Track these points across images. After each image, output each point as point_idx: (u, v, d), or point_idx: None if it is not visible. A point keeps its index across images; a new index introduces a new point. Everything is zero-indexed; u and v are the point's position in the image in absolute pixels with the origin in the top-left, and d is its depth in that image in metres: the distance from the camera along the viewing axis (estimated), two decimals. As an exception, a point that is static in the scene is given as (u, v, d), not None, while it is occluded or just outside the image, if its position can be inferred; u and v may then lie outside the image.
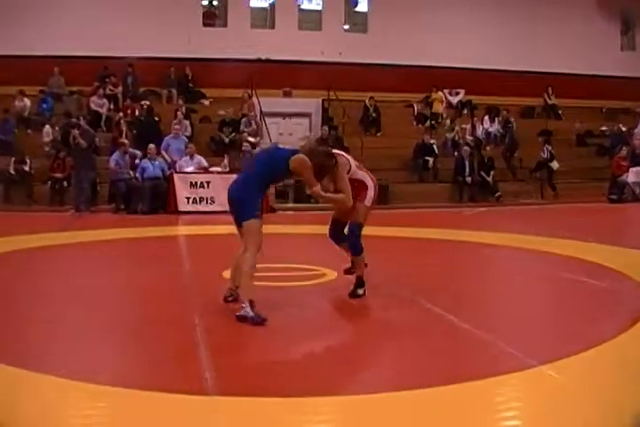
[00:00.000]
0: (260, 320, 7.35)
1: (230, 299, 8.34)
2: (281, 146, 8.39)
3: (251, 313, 7.41)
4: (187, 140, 22.49)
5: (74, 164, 20.48)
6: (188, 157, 21.38)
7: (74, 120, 21.33)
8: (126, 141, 21.01)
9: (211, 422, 4.90)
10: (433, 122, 28.02)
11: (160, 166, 20.82)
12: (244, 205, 7.97)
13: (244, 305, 7.53)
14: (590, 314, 8.03)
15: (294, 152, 7.97)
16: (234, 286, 8.27)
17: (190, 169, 21.10)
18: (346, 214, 8.98)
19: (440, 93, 28.20)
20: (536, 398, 5.30)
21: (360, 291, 8.90)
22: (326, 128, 25.15)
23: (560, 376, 5.64)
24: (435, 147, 25.46)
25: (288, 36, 28.66)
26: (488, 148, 25.40)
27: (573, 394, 5.36)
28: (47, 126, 23.15)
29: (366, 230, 13.91)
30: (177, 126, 22.80)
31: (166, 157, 21.65)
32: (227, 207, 8.36)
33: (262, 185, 8.11)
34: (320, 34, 29.69)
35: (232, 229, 8.37)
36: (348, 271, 9.27)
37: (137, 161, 21.03)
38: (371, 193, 9.11)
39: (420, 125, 27.95)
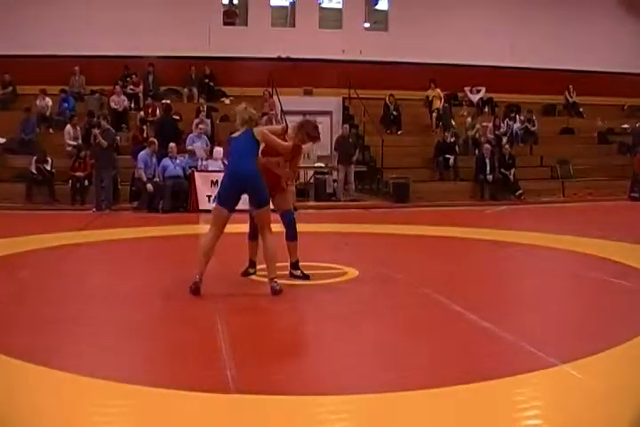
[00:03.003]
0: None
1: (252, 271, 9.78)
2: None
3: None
4: (207, 140, 22.51)
5: (95, 163, 20.51)
6: (213, 159, 21.39)
7: (94, 119, 21.38)
8: (155, 140, 21.02)
9: (232, 419, 4.92)
10: (435, 117, 27.73)
11: (181, 165, 20.85)
12: (262, 189, 8.97)
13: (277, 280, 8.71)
14: (612, 313, 8.00)
15: (250, 129, 9.05)
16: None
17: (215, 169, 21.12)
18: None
19: (438, 90, 27.84)
20: (557, 397, 5.29)
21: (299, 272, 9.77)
22: (347, 126, 25.13)
23: (582, 375, 5.62)
24: (456, 145, 25.37)
25: (308, 35, 28.60)
26: (507, 146, 25.24)
27: (595, 393, 5.34)
28: (68, 126, 23.22)
29: (387, 229, 14.04)
30: (202, 126, 22.82)
31: (194, 148, 21.74)
32: (249, 206, 8.62)
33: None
34: (340, 32, 29.63)
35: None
36: (246, 273, 10.03)
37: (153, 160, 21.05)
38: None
39: (440, 123, 27.75)
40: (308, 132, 9.45)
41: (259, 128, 9.22)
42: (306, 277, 9.71)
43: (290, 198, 9.90)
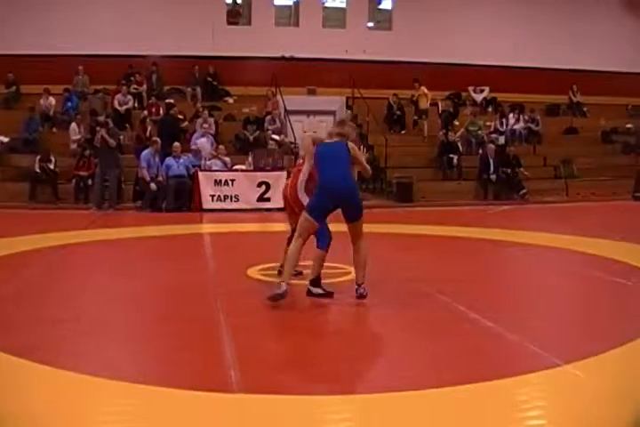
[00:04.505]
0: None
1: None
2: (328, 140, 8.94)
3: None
4: (213, 139, 22.52)
5: (98, 162, 20.53)
6: (216, 159, 21.41)
7: (101, 119, 21.36)
8: (158, 140, 21.02)
9: (235, 419, 4.92)
10: (417, 118, 27.31)
11: (184, 164, 20.84)
12: (359, 202, 8.80)
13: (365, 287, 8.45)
14: (616, 313, 8.00)
15: (343, 141, 8.76)
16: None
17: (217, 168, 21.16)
18: None
19: (423, 88, 27.29)
20: (560, 398, 5.29)
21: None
22: (349, 111, 25.11)
23: (585, 375, 5.62)
24: (459, 144, 25.33)
25: (312, 34, 28.58)
26: (513, 147, 25.21)
27: (598, 393, 5.33)
28: (73, 124, 23.20)
29: (391, 228, 14.01)
30: (206, 125, 22.82)
31: (198, 147, 21.78)
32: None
33: None
34: (344, 32, 29.60)
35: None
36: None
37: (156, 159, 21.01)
38: None
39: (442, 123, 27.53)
40: None
41: (353, 144, 8.91)
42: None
43: None
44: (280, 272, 9.74)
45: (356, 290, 8.50)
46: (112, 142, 20.11)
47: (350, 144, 8.79)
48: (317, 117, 28.45)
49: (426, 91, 26.92)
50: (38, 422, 4.79)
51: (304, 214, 8.59)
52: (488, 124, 26.87)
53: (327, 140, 8.92)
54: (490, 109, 29.41)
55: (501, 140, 25.90)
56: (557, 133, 28.55)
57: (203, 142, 21.94)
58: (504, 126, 26.90)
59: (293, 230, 9.14)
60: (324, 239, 8.94)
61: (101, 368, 5.74)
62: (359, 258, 8.64)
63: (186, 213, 19.58)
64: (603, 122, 29.12)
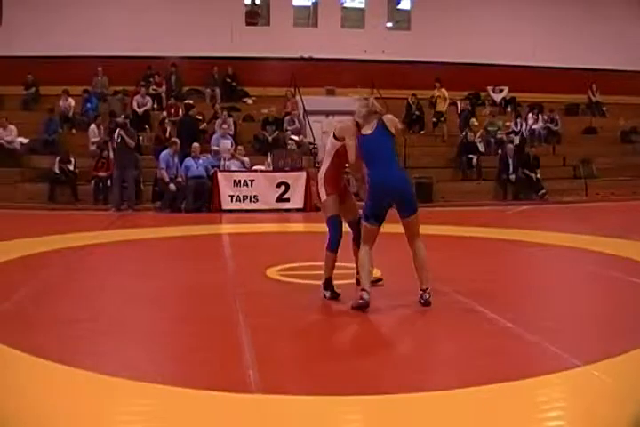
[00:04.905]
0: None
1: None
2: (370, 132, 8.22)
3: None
4: (232, 141, 22.53)
5: (116, 163, 20.56)
6: (235, 159, 21.44)
7: (120, 120, 21.41)
8: (177, 140, 21.06)
9: (254, 419, 4.91)
10: (435, 120, 27.20)
11: (204, 165, 20.87)
12: (413, 194, 8.43)
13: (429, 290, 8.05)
14: (635, 313, 7.95)
15: (380, 122, 8.16)
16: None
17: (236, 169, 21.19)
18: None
19: (443, 90, 27.12)
20: (580, 399, 5.26)
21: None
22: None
23: (605, 376, 5.59)
24: (479, 145, 25.27)
25: (331, 35, 28.62)
26: (534, 148, 25.11)
27: (618, 394, 5.30)
28: (93, 125, 23.26)
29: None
30: (225, 126, 22.87)
31: (219, 148, 21.82)
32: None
33: None
34: (363, 32, 29.64)
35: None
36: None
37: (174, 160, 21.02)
38: None
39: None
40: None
41: (388, 116, 8.38)
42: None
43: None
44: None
45: (421, 296, 8.10)
46: (131, 143, 20.20)
47: (386, 118, 8.27)
48: (337, 118, 28.39)
49: (445, 93, 26.86)
50: (56, 421, 4.79)
51: (363, 223, 8.23)
52: (507, 124, 26.80)
53: (366, 130, 8.20)
54: (509, 109, 29.33)
55: (516, 140, 25.80)
56: (577, 133, 28.47)
57: (226, 144, 21.99)
58: (519, 126, 26.78)
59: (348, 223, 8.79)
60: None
61: (120, 368, 5.74)
62: (419, 259, 8.25)
63: (205, 214, 19.61)
64: (622, 122, 29.01)
